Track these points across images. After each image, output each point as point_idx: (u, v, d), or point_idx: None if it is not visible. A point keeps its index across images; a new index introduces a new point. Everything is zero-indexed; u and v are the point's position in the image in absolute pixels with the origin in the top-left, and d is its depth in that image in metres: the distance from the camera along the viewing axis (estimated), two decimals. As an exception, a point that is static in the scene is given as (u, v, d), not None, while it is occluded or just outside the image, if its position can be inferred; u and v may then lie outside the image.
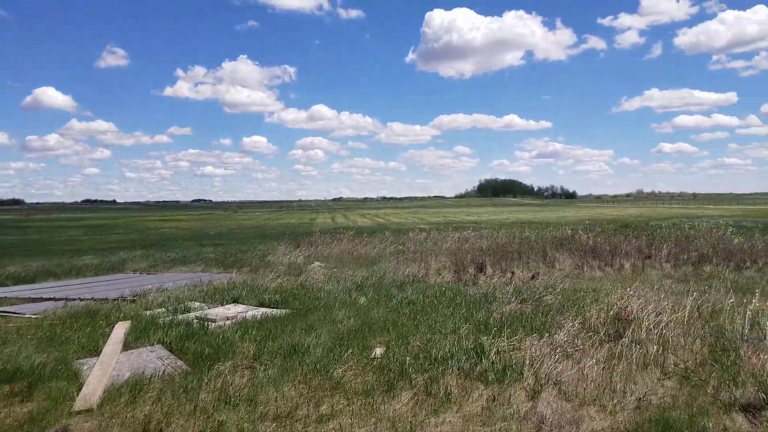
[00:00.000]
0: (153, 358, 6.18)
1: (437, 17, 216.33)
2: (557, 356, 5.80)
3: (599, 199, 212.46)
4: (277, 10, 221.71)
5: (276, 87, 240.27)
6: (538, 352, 5.95)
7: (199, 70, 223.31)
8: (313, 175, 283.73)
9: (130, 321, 7.72)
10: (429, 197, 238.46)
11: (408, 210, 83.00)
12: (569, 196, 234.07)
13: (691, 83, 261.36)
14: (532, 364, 5.57)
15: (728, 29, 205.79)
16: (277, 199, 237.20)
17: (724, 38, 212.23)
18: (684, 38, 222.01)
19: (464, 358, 5.82)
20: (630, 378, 5.30)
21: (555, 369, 5.46)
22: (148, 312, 8.44)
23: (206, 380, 5.29)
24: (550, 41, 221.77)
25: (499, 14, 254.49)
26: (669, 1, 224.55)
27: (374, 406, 4.74)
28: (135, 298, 9.79)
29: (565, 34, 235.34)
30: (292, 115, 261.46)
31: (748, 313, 6.82)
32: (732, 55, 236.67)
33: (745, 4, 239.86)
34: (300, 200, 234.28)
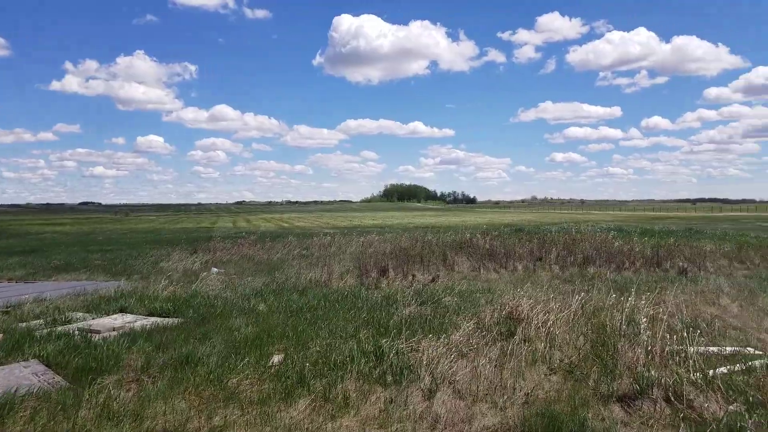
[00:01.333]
0: (27, 374, 5.65)
1: (345, 22, 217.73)
2: (453, 356, 5.95)
3: (498, 204, 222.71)
4: (179, 5, 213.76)
5: (175, 85, 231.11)
6: (435, 353, 6.06)
7: (91, 64, 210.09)
8: (214, 178, 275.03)
9: (1, 334, 7.03)
10: (335, 201, 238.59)
11: (314, 214, 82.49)
12: (470, 201, 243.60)
13: (581, 97, 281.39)
14: (429, 365, 5.69)
15: (614, 49, 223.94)
16: (174, 203, 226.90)
17: (611, 57, 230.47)
18: (575, 55, 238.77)
19: (364, 361, 5.83)
20: (520, 374, 5.55)
21: (451, 369, 5.60)
22: (23, 324, 7.73)
23: (87, 396, 4.91)
24: (454, 52, 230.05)
25: (406, 23, 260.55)
26: (562, 20, 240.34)
27: (270, 415, 4.62)
28: (8, 309, 8.94)
29: (468, 46, 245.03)
30: (192, 115, 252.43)
31: (626, 310, 7.38)
32: (617, 73, 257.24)
33: (629, 26, 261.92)
34: (199, 204, 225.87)
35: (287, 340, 6.81)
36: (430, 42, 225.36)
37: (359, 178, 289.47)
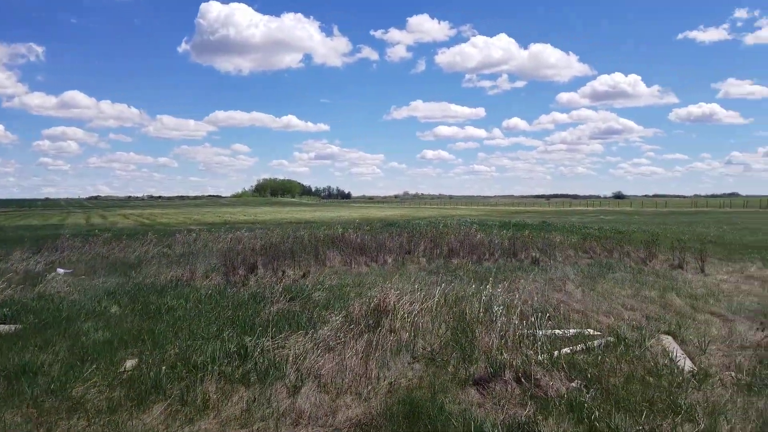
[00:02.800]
0: None
1: (213, 9, 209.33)
2: (320, 351, 5.94)
3: (372, 199, 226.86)
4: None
5: (18, 67, 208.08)
6: (302, 349, 6.02)
7: None
8: (64, 170, 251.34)
9: None
10: (204, 196, 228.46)
11: (179, 210, 78.21)
12: (345, 196, 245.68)
13: (449, 97, 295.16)
14: (296, 361, 5.63)
15: (479, 52, 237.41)
16: (16, 197, 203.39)
17: (475, 60, 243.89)
18: (443, 57, 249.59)
19: (226, 361, 5.63)
20: (385, 364, 5.66)
21: (317, 363, 5.58)
22: None
23: None
24: (328, 47, 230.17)
25: (278, 14, 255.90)
26: (432, 22, 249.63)
27: (120, 424, 4.30)
28: None
29: (342, 42, 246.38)
30: (39, 100, 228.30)
31: (484, 299, 7.83)
32: (481, 75, 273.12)
33: (492, 31, 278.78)
34: (47, 198, 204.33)
35: (142, 343, 6.38)
36: (304, 35, 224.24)
37: (230, 172, 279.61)
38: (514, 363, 5.54)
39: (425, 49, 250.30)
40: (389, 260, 13.83)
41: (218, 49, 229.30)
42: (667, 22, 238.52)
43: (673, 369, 5.62)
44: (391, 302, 7.46)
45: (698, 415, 4.43)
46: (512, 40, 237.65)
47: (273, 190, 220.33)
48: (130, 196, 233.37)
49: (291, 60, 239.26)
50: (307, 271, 11.68)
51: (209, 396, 4.81)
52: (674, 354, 6.16)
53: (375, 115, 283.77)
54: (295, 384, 5.12)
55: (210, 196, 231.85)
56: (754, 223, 32.91)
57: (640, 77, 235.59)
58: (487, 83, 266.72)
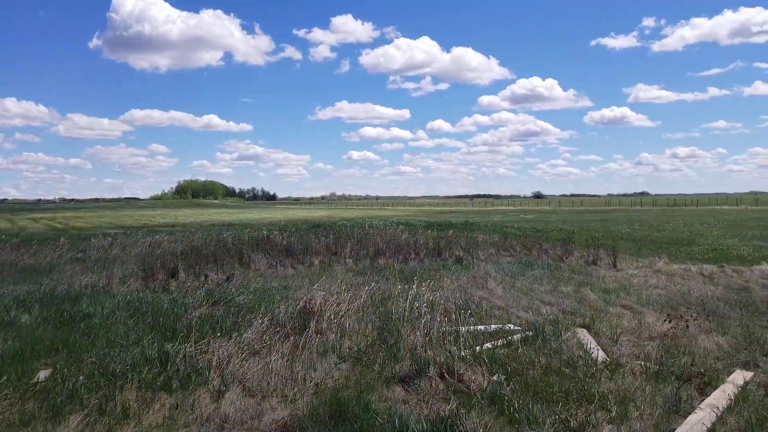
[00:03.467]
0: None
1: (127, 3, 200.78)
2: (245, 354, 5.87)
3: (298, 201, 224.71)
4: None
5: None
6: (226, 353, 5.92)
7: None
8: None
9: None
10: (120, 199, 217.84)
11: (94, 213, 74.13)
12: (270, 198, 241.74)
13: (374, 99, 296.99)
14: (219, 366, 5.53)
15: (402, 54, 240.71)
16: None
17: (399, 62, 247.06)
18: (367, 58, 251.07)
19: (147, 369, 5.45)
20: (311, 366, 5.68)
21: (241, 368, 5.52)
22: None
23: None
24: (250, 45, 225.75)
25: (196, 10, 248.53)
26: (355, 23, 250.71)
27: (33, 438, 4.07)
28: None
29: (264, 41, 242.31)
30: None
31: (409, 298, 7.99)
32: (405, 77, 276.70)
33: (415, 34, 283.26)
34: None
35: (57, 353, 6.07)
36: (224, 32, 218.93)
37: (148, 174, 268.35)
38: (438, 360, 5.71)
39: (349, 50, 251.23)
40: (316, 262, 13.80)
41: (133, 46, 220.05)
42: (580, 28, 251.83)
43: (587, 360, 5.97)
44: (318, 304, 7.47)
45: (610, 404, 4.74)
46: (435, 43, 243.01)
47: (194, 192, 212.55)
48: (40, 199, 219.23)
49: (211, 58, 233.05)
50: (232, 275, 11.45)
51: (129, 404, 4.65)
52: (588, 346, 6.54)
53: (300, 115, 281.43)
54: (219, 389, 5.04)
55: (127, 198, 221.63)
56: (662, 221, 35.34)
57: (556, 81, 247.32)
58: (411, 85, 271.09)
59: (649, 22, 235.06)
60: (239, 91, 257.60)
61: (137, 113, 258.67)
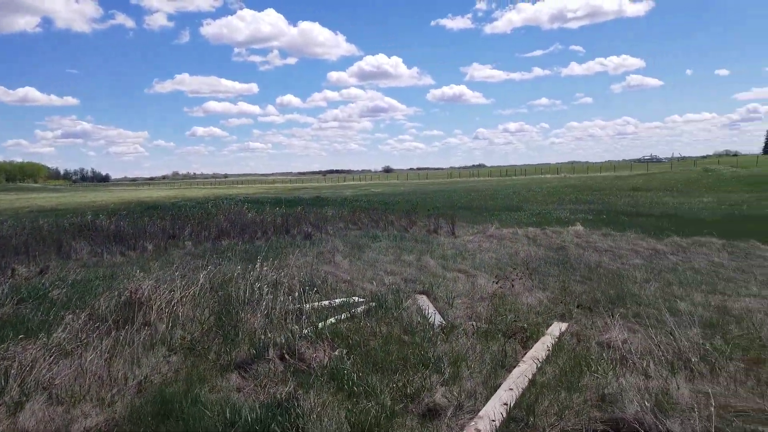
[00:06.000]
0: None
1: None
2: (53, 357, 5.09)
3: (135, 181, 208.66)
4: None
5: None
6: (29, 358, 5.09)
7: None
8: None
9: None
10: None
11: None
12: (103, 179, 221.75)
13: (218, 72, 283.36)
14: (20, 373, 4.73)
15: (247, 26, 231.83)
16: None
17: (244, 33, 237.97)
18: (209, 29, 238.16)
19: None
20: (135, 362, 5.09)
21: (49, 372, 4.77)
22: None
23: None
24: (73, 10, 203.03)
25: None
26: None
27: None
28: None
29: (90, 6, 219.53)
30: None
31: (250, 279, 7.57)
32: (251, 50, 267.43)
33: (260, 5, 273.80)
34: None
35: None
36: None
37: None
38: (278, 341, 5.44)
39: (188, 19, 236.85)
40: (150, 247, 12.68)
41: None
42: (421, 7, 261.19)
43: (425, 325, 6.08)
44: (146, 292, 6.77)
45: (444, 366, 4.83)
46: (281, 16, 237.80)
47: (9, 175, 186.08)
48: None
49: (26, 23, 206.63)
50: (46, 267, 10.08)
51: None
52: (427, 311, 6.70)
53: (135, 88, 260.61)
54: (18, 400, 4.29)
55: None
56: (496, 191, 38.14)
57: (401, 59, 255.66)
58: (257, 58, 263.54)
59: (481, 5, 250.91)
60: (62, 61, 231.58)
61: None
